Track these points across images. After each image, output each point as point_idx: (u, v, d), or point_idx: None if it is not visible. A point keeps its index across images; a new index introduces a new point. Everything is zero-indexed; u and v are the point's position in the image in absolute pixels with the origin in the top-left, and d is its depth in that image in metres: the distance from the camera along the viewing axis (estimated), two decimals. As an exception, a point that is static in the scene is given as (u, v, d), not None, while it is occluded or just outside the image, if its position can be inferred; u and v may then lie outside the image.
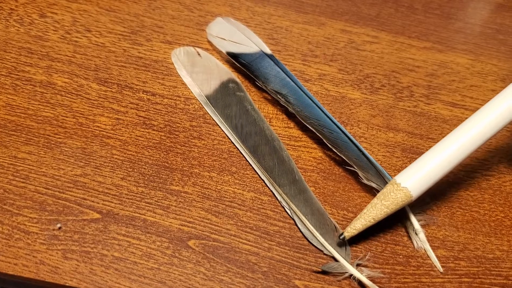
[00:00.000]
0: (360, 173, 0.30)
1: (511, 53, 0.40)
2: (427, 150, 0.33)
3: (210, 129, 0.32)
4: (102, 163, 0.30)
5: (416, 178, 0.28)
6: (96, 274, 0.26)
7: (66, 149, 0.30)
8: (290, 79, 0.34)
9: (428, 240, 0.29)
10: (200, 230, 0.28)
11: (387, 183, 0.30)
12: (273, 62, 0.35)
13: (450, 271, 0.28)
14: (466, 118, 0.35)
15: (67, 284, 0.26)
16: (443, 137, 0.34)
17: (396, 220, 0.30)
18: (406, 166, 0.32)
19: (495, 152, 0.33)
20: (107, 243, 0.27)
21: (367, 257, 0.28)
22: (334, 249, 0.28)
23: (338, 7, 0.41)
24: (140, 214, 0.28)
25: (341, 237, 0.27)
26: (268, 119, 0.33)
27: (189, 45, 0.36)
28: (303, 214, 0.29)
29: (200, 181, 0.30)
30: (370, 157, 0.31)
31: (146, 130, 0.32)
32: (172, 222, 0.28)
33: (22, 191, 0.29)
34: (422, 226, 0.29)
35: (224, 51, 0.36)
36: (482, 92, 0.37)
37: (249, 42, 0.36)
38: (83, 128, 0.31)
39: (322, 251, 0.28)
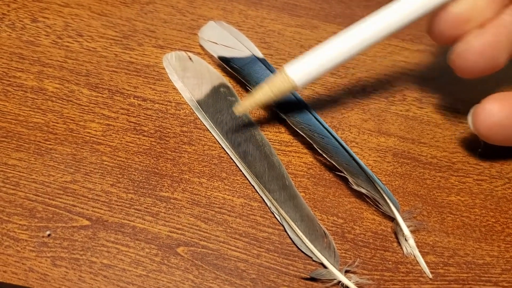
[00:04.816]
0: (350, 179, 0.30)
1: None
2: (418, 154, 0.33)
3: (200, 135, 0.32)
4: (92, 169, 0.30)
5: (304, 71, 0.30)
6: (85, 281, 0.26)
7: (57, 156, 0.30)
8: (282, 83, 0.34)
9: (418, 246, 0.29)
10: (189, 237, 0.28)
11: (377, 189, 0.30)
12: (265, 66, 0.35)
13: (440, 277, 0.28)
14: (459, 122, 0.35)
15: (55, 292, 0.26)
16: (435, 141, 0.34)
17: (386, 226, 0.30)
18: (396, 171, 0.32)
19: (487, 156, 0.33)
20: (96, 250, 0.27)
21: (356, 263, 0.28)
22: (323, 255, 0.28)
23: (331, 9, 0.41)
24: (129, 221, 0.28)
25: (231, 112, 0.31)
26: (259, 124, 0.33)
27: (181, 50, 0.36)
28: (293, 220, 0.29)
29: (189, 187, 0.30)
30: (361, 162, 0.31)
31: (137, 136, 0.32)
32: (161, 229, 0.28)
33: (12, 198, 0.29)
34: (412, 232, 0.29)
35: (215, 56, 0.36)
36: (475, 96, 0.36)
37: (241, 46, 0.36)
38: (74, 134, 0.31)
39: (311, 257, 0.28)
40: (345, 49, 0.30)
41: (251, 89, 0.34)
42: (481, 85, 0.37)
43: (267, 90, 0.30)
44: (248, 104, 0.31)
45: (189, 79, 0.35)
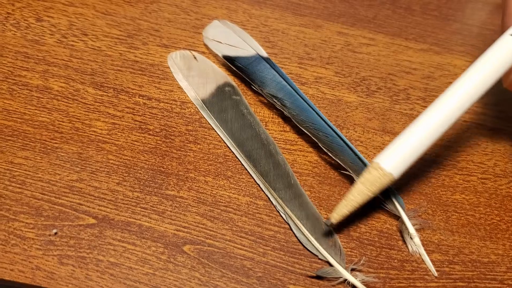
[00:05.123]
0: (355, 177, 0.30)
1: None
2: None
3: (206, 133, 0.32)
4: (98, 168, 0.30)
5: (398, 160, 0.28)
6: (91, 279, 0.26)
7: (62, 154, 0.30)
8: (286, 82, 0.34)
9: (423, 244, 0.29)
10: (195, 235, 0.28)
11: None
12: (269, 66, 0.35)
13: (445, 275, 0.28)
14: (463, 121, 0.35)
15: (62, 290, 0.26)
16: (439, 140, 0.34)
17: (391, 225, 0.30)
18: (401, 170, 0.32)
19: (491, 155, 0.33)
20: (103, 249, 0.27)
21: (361, 261, 0.28)
22: (328, 253, 0.28)
23: (335, 9, 0.41)
24: (135, 219, 0.28)
25: (328, 224, 0.28)
26: (264, 123, 0.33)
27: (185, 49, 0.36)
28: (298, 218, 0.29)
29: (195, 186, 0.30)
30: (366, 161, 0.31)
31: (142, 135, 0.32)
32: (167, 227, 0.28)
33: (18, 196, 0.29)
34: (417, 230, 0.29)
35: (220, 55, 0.36)
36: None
37: (245, 45, 0.36)
38: (79, 133, 0.31)
39: (317, 255, 0.28)
40: (433, 129, 0.29)
41: (256, 88, 0.34)
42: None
43: (364, 190, 0.28)
44: (346, 209, 0.28)
45: (194, 78, 0.35)
